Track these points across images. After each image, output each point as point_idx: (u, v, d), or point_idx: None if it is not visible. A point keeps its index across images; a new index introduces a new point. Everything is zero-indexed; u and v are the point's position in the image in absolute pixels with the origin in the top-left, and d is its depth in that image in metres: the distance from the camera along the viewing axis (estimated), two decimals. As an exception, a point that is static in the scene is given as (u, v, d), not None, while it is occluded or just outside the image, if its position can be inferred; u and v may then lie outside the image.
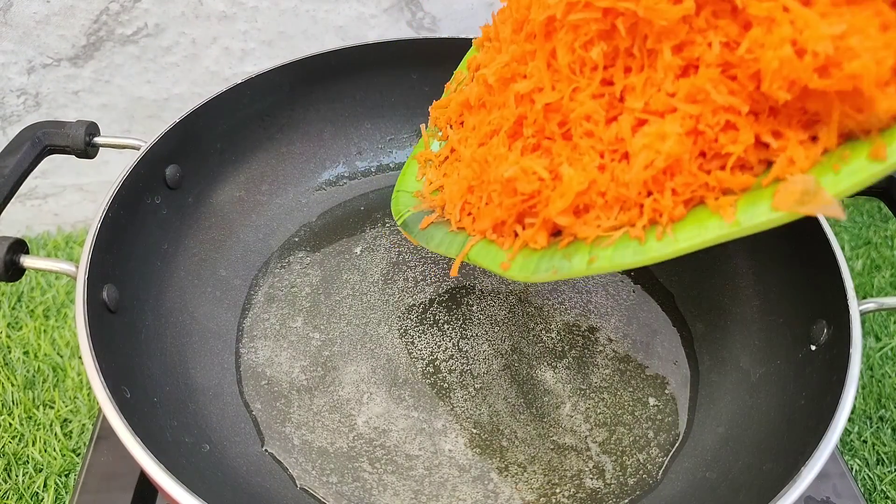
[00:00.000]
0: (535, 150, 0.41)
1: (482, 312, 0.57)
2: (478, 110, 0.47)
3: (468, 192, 0.45)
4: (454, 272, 0.45)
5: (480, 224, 0.44)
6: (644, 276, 0.60)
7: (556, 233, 0.41)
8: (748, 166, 0.35)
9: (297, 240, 0.63)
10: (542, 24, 0.40)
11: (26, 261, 0.45)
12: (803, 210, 0.32)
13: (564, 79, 0.39)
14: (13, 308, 0.80)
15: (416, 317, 0.57)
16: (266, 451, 0.48)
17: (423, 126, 0.53)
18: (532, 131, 0.41)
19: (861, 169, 0.31)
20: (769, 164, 0.35)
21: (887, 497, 0.65)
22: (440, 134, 0.51)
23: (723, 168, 0.35)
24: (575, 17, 0.37)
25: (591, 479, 0.47)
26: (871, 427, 0.70)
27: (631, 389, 0.52)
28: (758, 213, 0.33)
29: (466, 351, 0.54)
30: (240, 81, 0.59)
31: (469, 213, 0.45)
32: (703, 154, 0.35)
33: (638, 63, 0.37)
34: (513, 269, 0.41)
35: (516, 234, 0.42)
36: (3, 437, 0.68)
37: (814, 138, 0.34)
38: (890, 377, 0.74)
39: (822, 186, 0.32)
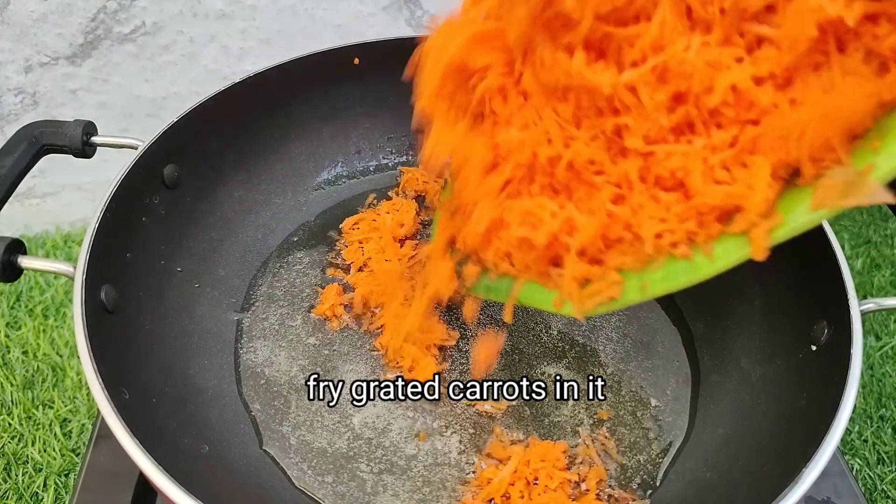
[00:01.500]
0: (556, 192, 0.40)
1: (482, 312, 0.56)
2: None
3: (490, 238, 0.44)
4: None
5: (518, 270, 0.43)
6: (644, 276, 0.59)
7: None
8: (777, 176, 0.33)
9: (295, 239, 0.62)
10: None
11: (24, 261, 0.44)
12: (849, 203, 0.30)
13: (556, 134, 0.38)
14: (12, 307, 0.80)
15: (416, 316, 0.56)
16: (264, 451, 0.48)
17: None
18: (542, 178, 0.40)
19: None
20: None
21: (888, 496, 0.65)
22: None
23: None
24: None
25: (593, 479, 0.47)
26: (872, 426, 0.70)
27: (632, 390, 0.52)
28: (800, 214, 0.32)
29: (466, 351, 0.54)
30: (238, 80, 0.59)
31: (504, 258, 0.44)
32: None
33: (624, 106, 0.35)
34: (566, 306, 0.40)
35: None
36: (2, 437, 0.68)
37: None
38: (890, 376, 0.74)
39: (865, 175, 0.29)
